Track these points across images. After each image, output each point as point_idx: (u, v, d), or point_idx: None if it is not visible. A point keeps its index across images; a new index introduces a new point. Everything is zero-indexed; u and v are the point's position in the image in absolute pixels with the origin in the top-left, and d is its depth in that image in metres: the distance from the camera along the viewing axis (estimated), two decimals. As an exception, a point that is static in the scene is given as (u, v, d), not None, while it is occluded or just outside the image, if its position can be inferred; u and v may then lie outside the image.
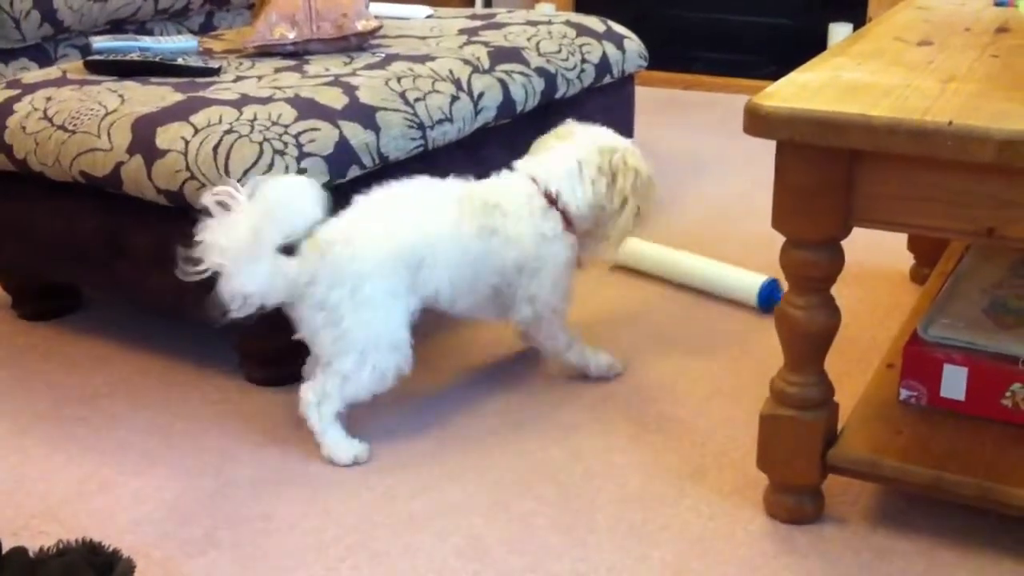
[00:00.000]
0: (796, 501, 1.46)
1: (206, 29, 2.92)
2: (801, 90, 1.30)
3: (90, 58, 2.05)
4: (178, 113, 1.75)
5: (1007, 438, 1.43)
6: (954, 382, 1.47)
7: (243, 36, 2.26)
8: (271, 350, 1.82)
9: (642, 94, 3.80)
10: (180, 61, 2.02)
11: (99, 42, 2.15)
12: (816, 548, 1.42)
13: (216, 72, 2.01)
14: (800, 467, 1.42)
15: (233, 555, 1.42)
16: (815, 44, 3.67)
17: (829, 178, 1.27)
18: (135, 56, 2.03)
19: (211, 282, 1.74)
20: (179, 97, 1.82)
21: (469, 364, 1.91)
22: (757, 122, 1.26)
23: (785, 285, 1.37)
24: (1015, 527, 1.44)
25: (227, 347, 1.97)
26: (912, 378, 1.50)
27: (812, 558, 1.40)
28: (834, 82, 1.34)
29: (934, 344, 1.49)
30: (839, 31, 3.49)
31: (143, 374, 1.89)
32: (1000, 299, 1.58)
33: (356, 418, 1.73)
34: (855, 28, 3.50)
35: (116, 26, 2.69)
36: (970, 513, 1.47)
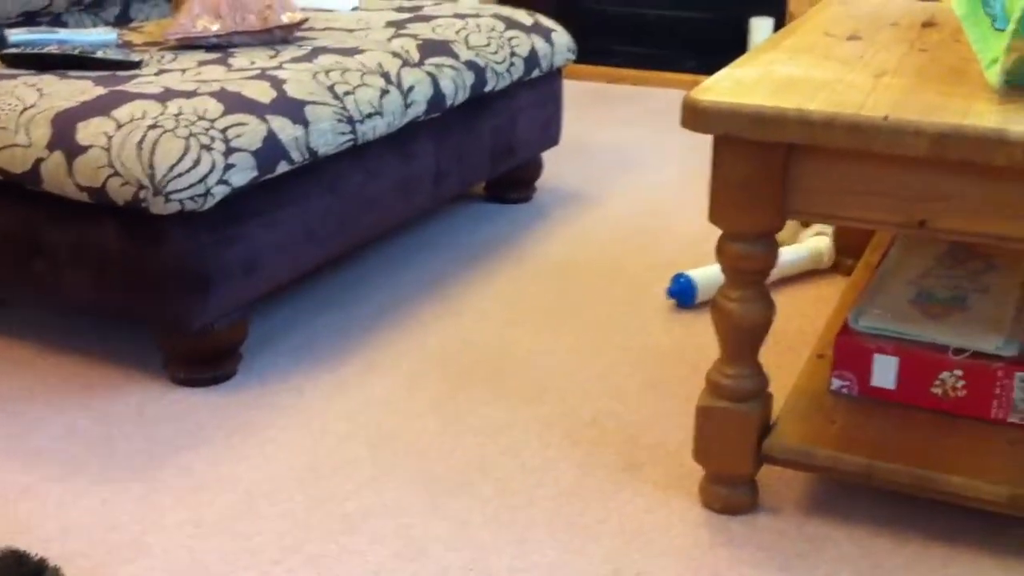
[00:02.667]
0: (731, 492, 1.47)
1: (123, 21, 2.84)
2: (737, 85, 1.31)
3: (5, 51, 1.98)
4: (99, 108, 1.70)
5: (938, 426, 1.45)
6: (885, 371, 1.49)
7: (163, 28, 2.21)
8: (197, 350, 1.77)
9: (567, 87, 3.82)
10: (100, 54, 1.96)
11: (15, 34, 2.08)
12: (752, 538, 1.43)
13: (137, 65, 1.95)
14: (735, 458, 1.43)
15: (164, 561, 1.39)
16: (735, 38, 3.71)
17: (765, 172, 1.28)
18: (53, 49, 1.97)
19: (132, 281, 1.70)
20: (100, 91, 1.76)
21: (403, 363, 1.89)
22: (695, 116, 1.27)
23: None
24: (947, 513, 1.47)
25: (150, 348, 1.93)
26: (843, 368, 1.52)
27: (748, 548, 1.41)
28: (768, 77, 1.35)
29: (865, 334, 1.51)
30: (760, 25, 3.53)
31: (62, 377, 1.84)
32: (927, 289, 1.60)
33: (294, 420, 1.70)
34: (775, 22, 3.55)
35: (29, 18, 2.61)
36: (903, 500, 1.49)
